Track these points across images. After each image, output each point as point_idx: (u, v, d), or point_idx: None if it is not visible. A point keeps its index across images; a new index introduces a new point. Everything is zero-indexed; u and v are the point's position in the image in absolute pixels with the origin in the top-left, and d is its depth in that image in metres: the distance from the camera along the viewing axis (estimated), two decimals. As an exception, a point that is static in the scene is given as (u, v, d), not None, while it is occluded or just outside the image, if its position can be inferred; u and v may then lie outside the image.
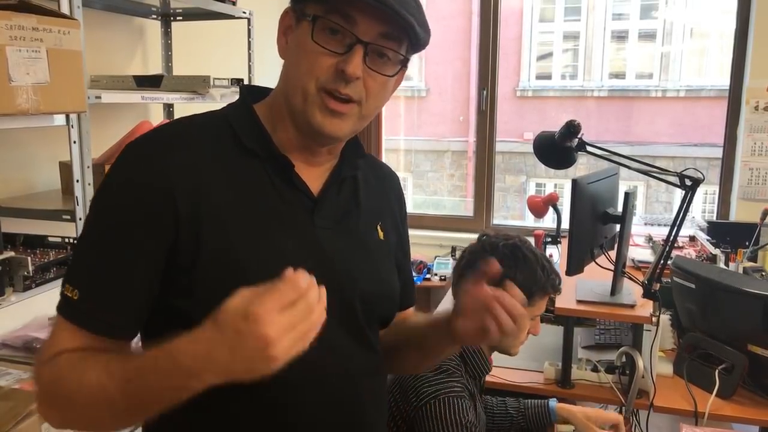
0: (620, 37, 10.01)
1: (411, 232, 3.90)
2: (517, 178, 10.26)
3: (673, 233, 1.70)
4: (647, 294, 1.75)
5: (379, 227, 0.96)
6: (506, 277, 1.45)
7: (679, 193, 1.68)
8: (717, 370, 1.80)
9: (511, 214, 9.75)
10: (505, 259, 1.45)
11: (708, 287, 1.86)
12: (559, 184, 10.02)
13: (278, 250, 0.80)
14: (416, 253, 3.87)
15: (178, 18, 2.27)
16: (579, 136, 1.89)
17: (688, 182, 1.65)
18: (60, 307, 0.78)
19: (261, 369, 0.63)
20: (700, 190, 1.66)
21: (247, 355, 0.62)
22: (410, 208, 6.72)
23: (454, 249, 3.85)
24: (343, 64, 0.78)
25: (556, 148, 1.93)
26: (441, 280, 3.70)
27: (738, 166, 3.40)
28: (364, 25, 0.78)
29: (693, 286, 1.89)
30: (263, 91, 0.91)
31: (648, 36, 9.83)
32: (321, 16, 0.78)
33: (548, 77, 10.25)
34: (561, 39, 10.18)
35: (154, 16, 2.23)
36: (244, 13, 2.21)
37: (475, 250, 1.52)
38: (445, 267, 3.77)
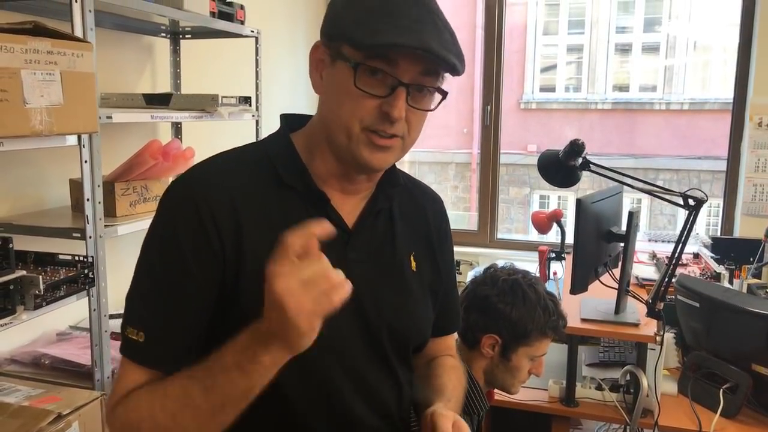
0: (624, 50, 10.05)
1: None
2: (520, 190, 10.27)
3: (677, 252, 1.71)
4: (651, 313, 1.76)
5: (412, 257, 0.96)
6: (499, 310, 1.43)
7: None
8: (721, 390, 1.81)
9: (515, 226, 9.76)
10: (501, 294, 1.45)
11: (712, 306, 1.87)
12: (562, 196, 10.03)
13: None
14: (420, 267, 3.87)
15: (186, 36, 2.30)
16: (583, 155, 1.91)
17: (691, 202, 1.66)
18: (125, 349, 0.81)
19: (296, 331, 0.65)
20: (706, 203, 1.67)
21: (279, 318, 0.65)
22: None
23: (458, 263, 3.85)
24: (387, 106, 0.79)
25: (561, 167, 1.94)
26: (445, 294, 3.70)
27: (742, 182, 3.41)
28: (405, 66, 0.78)
29: (697, 305, 1.90)
30: (302, 119, 0.93)
31: (651, 49, 9.87)
32: (362, 63, 0.78)
33: (552, 90, 10.30)
34: (565, 52, 10.24)
35: (163, 35, 2.26)
36: (252, 32, 2.24)
37: (478, 281, 1.53)
38: (449, 281, 3.76)
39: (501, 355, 1.48)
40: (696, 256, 2.65)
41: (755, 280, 2.63)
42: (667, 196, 1.71)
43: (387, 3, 0.78)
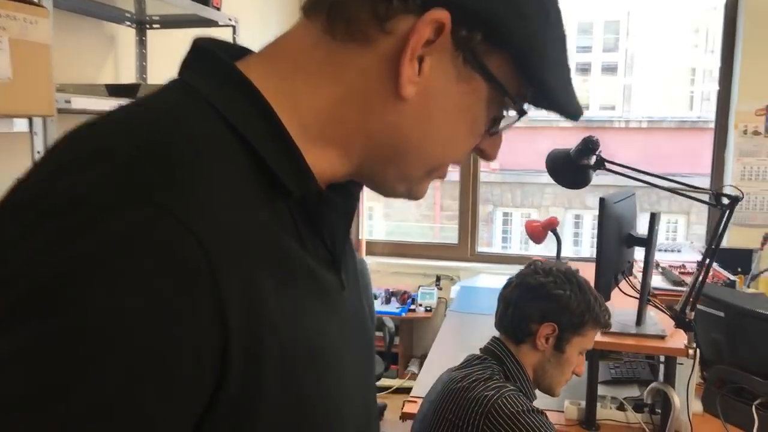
0: (584, 69, 10.22)
1: (393, 260, 3.68)
2: (484, 208, 10.25)
3: (711, 254, 1.56)
4: (681, 323, 1.60)
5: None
6: (559, 296, 1.32)
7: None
8: (753, 406, 1.65)
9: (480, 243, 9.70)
10: (558, 281, 1.31)
11: (738, 315, 1.73)
12: (524, 213, 10.05)
13: (332, 349, 0.51)
14: (399, 283, 3.69)
15: (154, 26, 2.07)
16: (597, 152, 1.76)
17: (725, 200, 1.52)
18: None
19: None
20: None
21: None
22: (382, 237, 6.55)
23: (438, 278, 3.68)
24: (489, 145, 0.56)
25: (571, 166, 1.79)
26: (426, 311, 3.52)
27: (727, 191, 3.34)
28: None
29: (722, 314, 1.76)
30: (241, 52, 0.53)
31: (610, 69, 10.06)
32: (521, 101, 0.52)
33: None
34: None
35: (128, 23, 2.03)
36: (230, 20, 2.03)
37: (527, 272, 1.37)
38: (430, 297, 3.59)
39: (555, 347, 1.35)
40: (701, 264, 2.53)
41: (752, 290, 2.54)
42: (695, 195, 1.57)
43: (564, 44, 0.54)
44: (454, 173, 4.19)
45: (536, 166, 9.49)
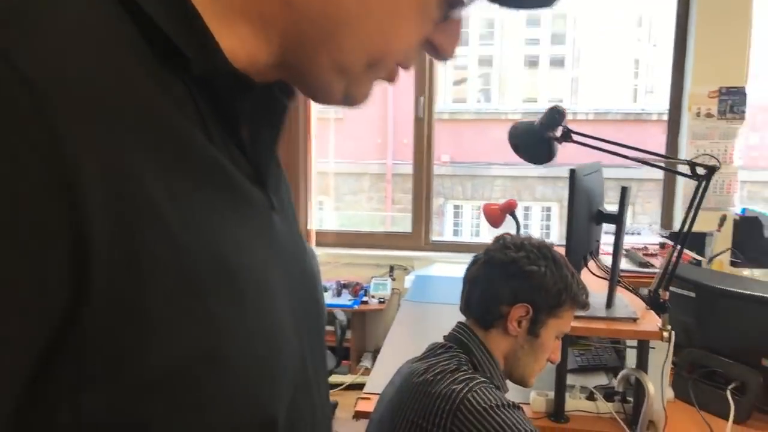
0: (532, 62, 10.27)
1: (344, 251, 3.48)
2: (435, 201, 10.19)
3: (687, 229, 1.46)
4: (655, 305, 1.49)
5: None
6: (533, 272, 1.18)
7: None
8: (728, 391, 1.56)
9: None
10: (532, 257, 1.15)
11: (710, 295, 1.64)
12: (474, 205, 10.04)
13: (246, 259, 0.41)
14: (351, 274, 3.52)
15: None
16: (563, 123, 1.64)
17: (700, 171, 1.42)
18: None
19: None
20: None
21: None
22: (335, 227, 6.37)
23: (392, 268, 3.53)
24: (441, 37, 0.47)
25: (536, 139, 1.66)
26: (380, 302, 3.36)
27: (680, 177, 3.32)
28: None
29: (692, 294, 1.66)
30: None
31: (558, 62, 10.15)
32: None
33: (463, 101, 10.35)
34: (476, 63, 10.33)
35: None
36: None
37: (495, 248, 1.21)
38: (383, 288, 3.43)
39: (529, 331, 1.19)
40: (663, 246, 2.46)
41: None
42: (670, 166, 1.46)
43: None
44: (406, 165, 4.04)
45: (486, 158, 9.48)
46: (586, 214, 1.55)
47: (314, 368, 0.48)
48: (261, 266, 0.42)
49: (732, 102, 3.06)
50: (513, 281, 1.16)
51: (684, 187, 3.29)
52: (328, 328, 3.12)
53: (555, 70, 10.29)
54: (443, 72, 10.08)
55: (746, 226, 3.05)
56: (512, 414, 1.03)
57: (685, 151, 3.27)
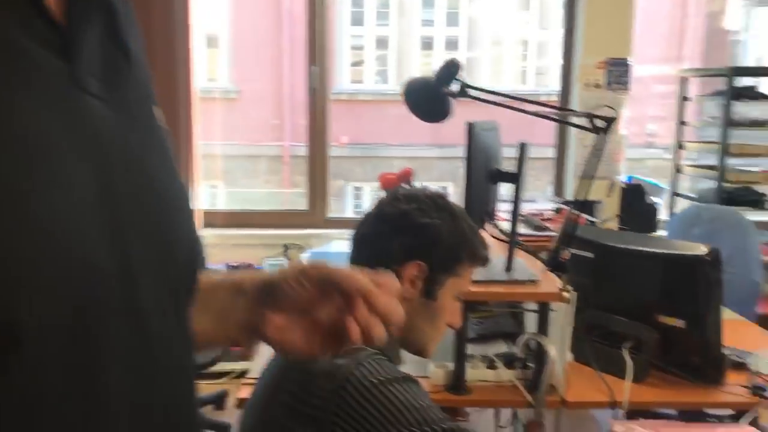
0: (428, 43, 10.32)
1: (235, 231, 3.24)
2: (335, 183, 10.04)
3: (589, 185, 1.40)
4: (555, 265, 1.43)
5: (154, 108, 0.52)
6: (426, 225, 1.06)
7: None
8: (626, 349, 1.54)
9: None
10: (426, 208, 1.02)
11: (608, 254, 1.61)
12: (374, 186, 10.02)
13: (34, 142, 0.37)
14: (242, 256, 3.30)
15: None
16: (459, 78, 1.54)
17: (599, 123, 1.36)
18: None
19: None
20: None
21: None
22: (223, 207, 6.01)
23: (287, 248, 3.34)
24: None
25: (432, 95, 1.56)
26: (274, 283, 3.17)
27: (572, 143, 3.37)
28: None
29: (591, 255, 1.63)
30: None
31: (452, 44, 10.26)
32: None
33: (360, 82, 10.24)
34: (373, 45, 10.23)
35: None
36: None
37: (385, 201, 1.07)
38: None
39: (424, 293, 1.05)
40: (558, 211, 2.46)
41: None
42: (569, 119, 1.39)
43: None
44: (301, 147, 3.83)
45: (385, 139, 9.44)
46: (484, 171, 1.46)
47: (157, 298, 0.43)
48: (39, 139, 0.36)
49: (618, 73, 3.13)
50: (404, 236, 1.03)
51: (575, 156, 3.34)
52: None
53: (450, 52, 10.41)
54: (340, 52, 9.92)
55: (631, 193, 3.16)
56: (406, 388, 0.89)
57: (576, 121, 3.33)
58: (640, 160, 8.81)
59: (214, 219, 3.45)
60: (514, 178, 1.50)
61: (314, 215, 3.45)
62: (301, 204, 3.53)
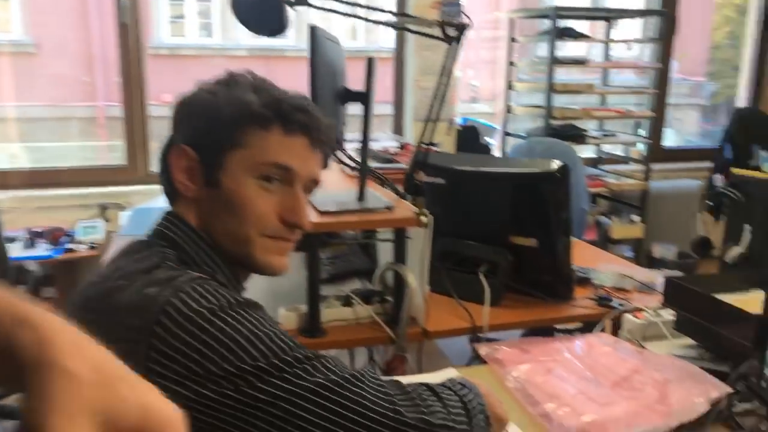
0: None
1: (41, 192, 2.76)
2: (158, 145, 9.30)
3: (440, 102, 1.30)
4: (412, 189, 1.33)
5: None
6: (183, 103, 0.80)
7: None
8: (482, 274, 1.51)
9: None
10: (200, 89, 0.83)
11: (457, 179, 1.55)
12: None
13: None
14: (49, 220, 2.84)
15: None
16: (295, -16, 1.35)
17: (452, 32, 1.26)
18: None
19: None
20: None
21: None
22: (23, 165, 5.21)
23: (104, 208, 2.94)
24: None
25: (265, 4, 1.35)
26: (91, 248, 2.78)
27: (409, 86, 3.34)
28: None
29: (443, 181, 1.56)
30: None
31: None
32: None
33: (182, 35, 9.49)
34: (194, -5, 9.48)
35: None
36: None
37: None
38: (93, 231, 2.85)
39: (206, 184, 0.81)
40: (403, 147, 2.38)
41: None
42: (418, 29, 1.28)
43: None
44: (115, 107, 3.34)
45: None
46: (330, 90, 1.30)
47: None
48: None
49: (451, 12, 3.12)
50: (178, 127, 0.83)
51: (413, 99, 3.31)
52: (21, 286, 2.47)
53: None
54: (157, 6, 9.05)
55: (466, 134, 3.21)
56: (246, 315, 0.69)
57: (412, 67, 3.29)
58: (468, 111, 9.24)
59: (9, 179, 2.93)
60: (364, 97, 1.36)
61: (135, 170, 3.06)
62: (120, 160, 3.10)
